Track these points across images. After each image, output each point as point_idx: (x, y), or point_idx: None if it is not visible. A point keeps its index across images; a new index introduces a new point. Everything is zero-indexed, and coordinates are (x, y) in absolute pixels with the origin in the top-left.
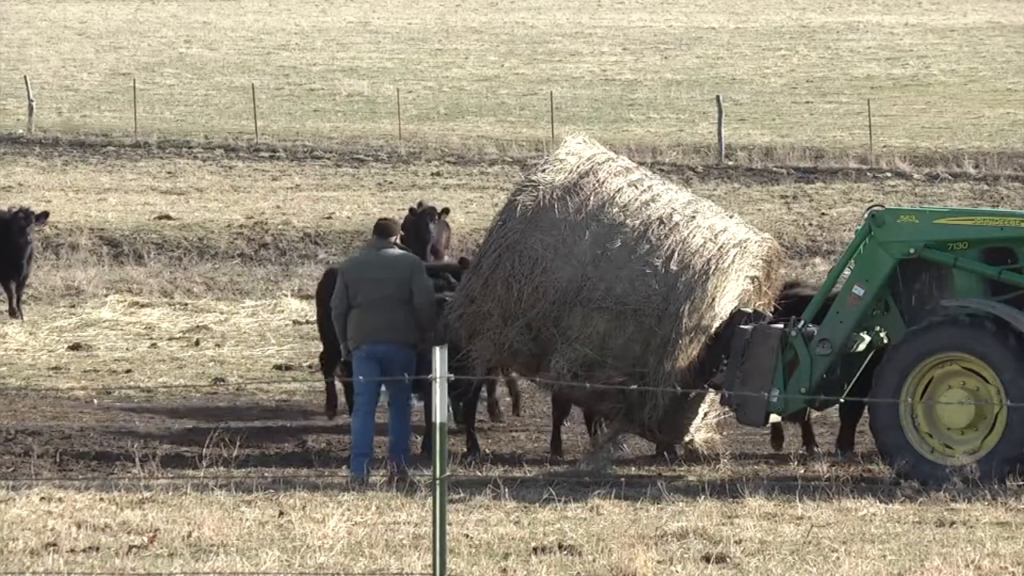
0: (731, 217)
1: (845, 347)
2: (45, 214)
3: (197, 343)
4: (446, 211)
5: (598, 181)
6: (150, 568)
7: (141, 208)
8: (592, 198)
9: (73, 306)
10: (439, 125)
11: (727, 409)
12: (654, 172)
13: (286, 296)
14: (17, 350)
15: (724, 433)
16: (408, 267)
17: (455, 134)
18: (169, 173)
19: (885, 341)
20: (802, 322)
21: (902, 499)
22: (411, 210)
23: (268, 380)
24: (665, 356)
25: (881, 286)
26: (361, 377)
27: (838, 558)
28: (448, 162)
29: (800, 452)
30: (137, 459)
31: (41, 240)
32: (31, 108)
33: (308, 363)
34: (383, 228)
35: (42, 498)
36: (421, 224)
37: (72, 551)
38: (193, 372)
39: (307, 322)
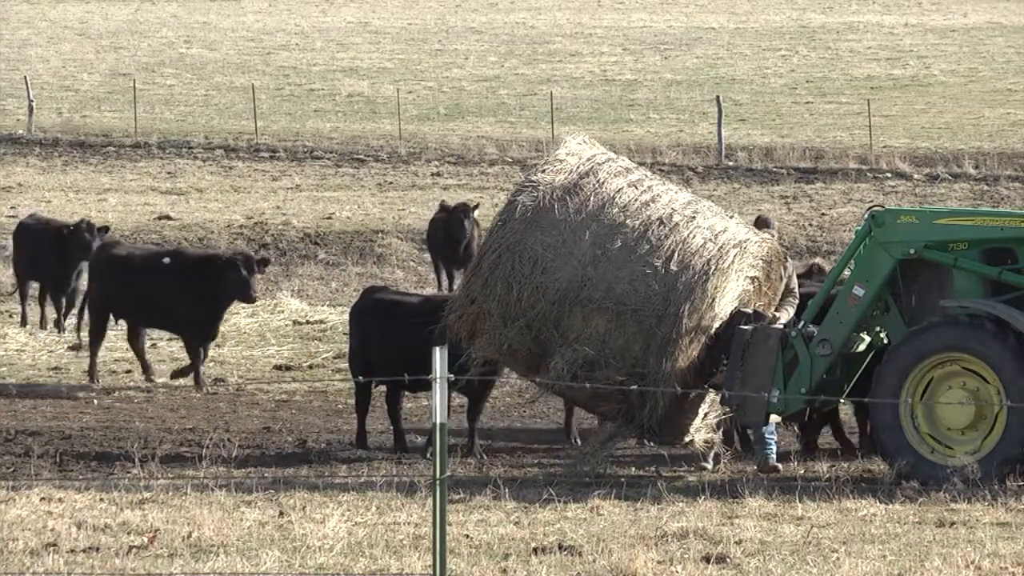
0: (731, 217)
1: (845, 347)
2: (106, 228)
3: None
4: (476, 206)
5: (598, 181)
6: (150, 568)
7: (141, 208)
8: (592, 198)
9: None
10: (439, 125)
11: (727, 409)
12: (654, 172)
13: (286, 296)
14: (17, 350)
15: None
16: None
17: (455, 134)
18: (169, 173)
19: (885, 341)
20: (802, 322)
21: (902, 499)
22: (443, 207)
23: (268, 380)
24: (665, 356)
25: (881, 286)
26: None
27: (838, 558)
28: (448, 162)
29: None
30: (137, 459)
31: None
32: (31, 108)
33: (308, 363)
34: None
35: (42, 498)
36: (455, 221)
37: (72, 551)
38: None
39: (307, 322)
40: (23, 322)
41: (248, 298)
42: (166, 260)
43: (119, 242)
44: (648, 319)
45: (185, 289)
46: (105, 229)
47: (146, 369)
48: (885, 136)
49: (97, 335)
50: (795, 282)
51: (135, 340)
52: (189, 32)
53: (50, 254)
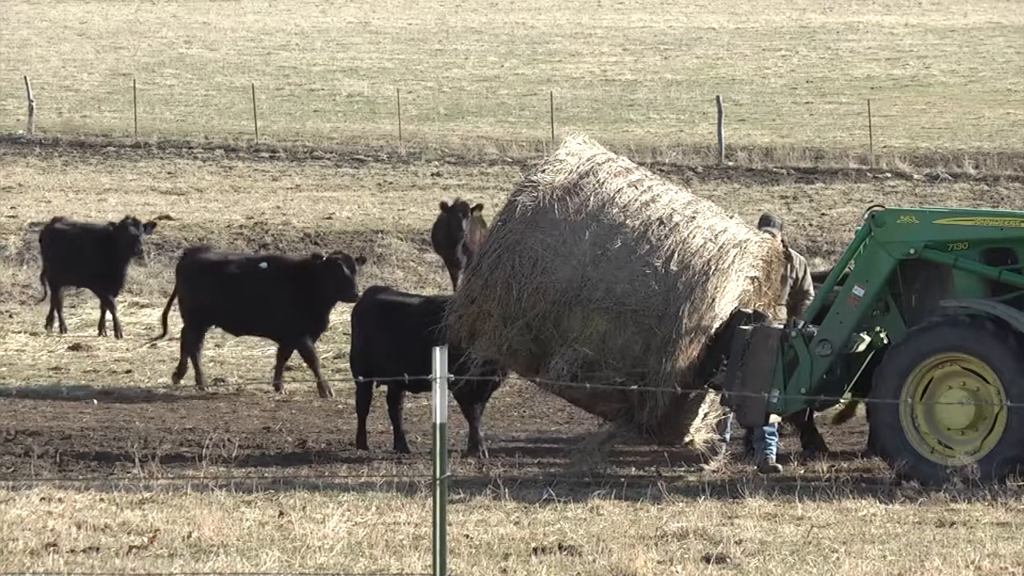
0: (731, 217)
1: (845, 347)
2: (152, 223)
3: None
4: (479, 207)
5: (598, 181)
6: (150, 568)
7: (141, 208)
8: (592, 198)
9: (73, 306)
10: (439, 125)
11: (727, 410)
12: (654, 172)
13: None
14: (17, 350)
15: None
16: None
17: (455, 134)
18: (169, 173)
19: (885, 341)
20: (802, 322)
21: (902, 499)
22: (443, 206)
23: (268, 380)
24: (665, 356)
25: (881, 286)
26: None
27: (838, 558)
28: (448, 162)
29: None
30: (137, 459)
31: None
32: (31, 108)
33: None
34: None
35: (42, 498)
36: (453, 221)
37: (72, 551)
38: (193, 372)
39: None
40: (62, 328)
41: (352, 297)
42: (263, 265)
43: (210, 247)
44: (648, 319)
45: (285, 293)
46: (152, 225)
47: (199, 377)
48: (885, 136)
49: (193, 342)
50: (809, 283)
51: (195, 352)
52: (189, 32)
53: (91, 255)
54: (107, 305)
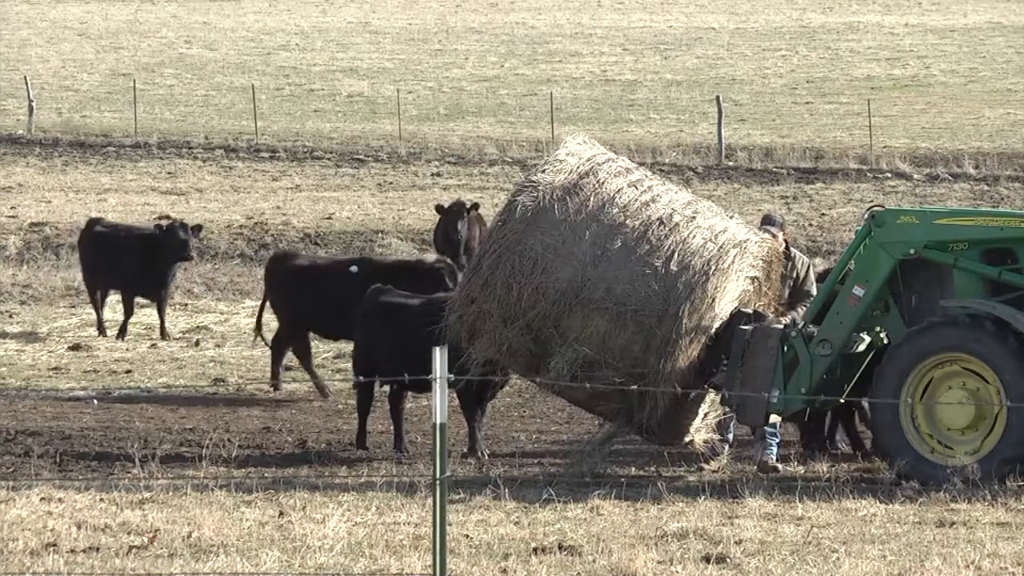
0: (731, 218)
1: (845, 347)
2: (199, 227)
3: (197, 343)
4: (476, 206)
5: (598, 182)
6: (150, 568)
7: (141, 209)
8: (592, 199)
9: (73, 306)
10: (439, 125)
11: (727, 410)
12: (654, 172)
13: None
14: (17, 350)
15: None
16: None
17: (455, 134)
18: (169, 173)
19: (885, 341)
20: (802, 322)
21: (902, 499)
22: (438, 209)
23: (268, 380)
24: (665, 356)
25: (881, 286)
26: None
27: (838, 558)
28: (448, 162)
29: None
30: (137, 459)
31: (41, 240)
32: (31, 108)
33: None
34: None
35: (42, 498)
36: (449, 223)
37: (72, 551)
38: (193, 372)
39: None
40: (100, 330)
41: None
42: (353, 268)
43: (299, 252)
44: (648, 319)
45: None
46: (198, 228)
47: (321, 390)
48: (885, 136)
49: (284, 344)
50: (811, 284)
51: (306, 359)
52: (189, 32)
53: (134, 257)
54: (128, 307)
